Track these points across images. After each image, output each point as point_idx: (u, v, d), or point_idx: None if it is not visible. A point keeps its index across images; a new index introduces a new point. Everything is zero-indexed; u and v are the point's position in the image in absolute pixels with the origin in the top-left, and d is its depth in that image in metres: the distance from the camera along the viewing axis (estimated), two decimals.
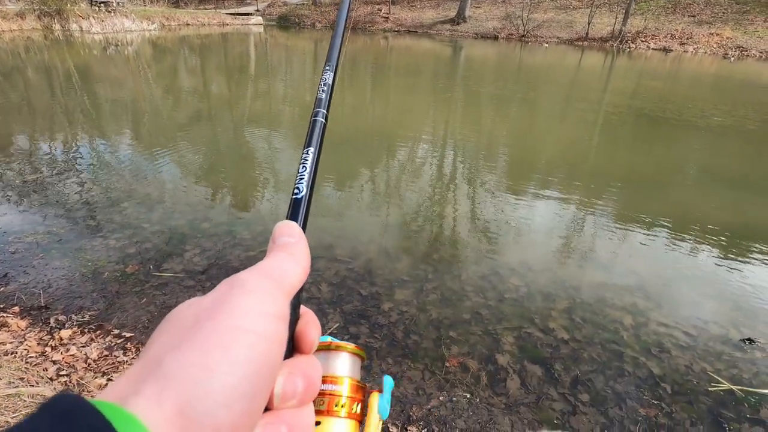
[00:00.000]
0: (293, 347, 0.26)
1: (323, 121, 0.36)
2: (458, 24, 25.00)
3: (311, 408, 0.25)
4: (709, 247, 3.45)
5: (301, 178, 0.31)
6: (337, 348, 0.39)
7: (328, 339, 0.39)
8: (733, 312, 2.68)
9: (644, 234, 3.61)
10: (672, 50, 20.23)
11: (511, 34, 23.47)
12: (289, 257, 0.26)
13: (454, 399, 1.99)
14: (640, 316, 2.58)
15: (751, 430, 1.94)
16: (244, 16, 27.92)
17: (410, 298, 2.63)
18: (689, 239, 3.57)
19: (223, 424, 0.19)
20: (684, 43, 20.62)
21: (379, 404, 0.39)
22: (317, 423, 0.37)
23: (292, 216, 0.29)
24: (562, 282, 2.88)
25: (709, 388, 2.12)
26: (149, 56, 14.01)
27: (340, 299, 2.60)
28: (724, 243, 3.50)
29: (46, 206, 3.59)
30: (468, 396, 2.01)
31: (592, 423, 1.92)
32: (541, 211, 3.95)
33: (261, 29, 25.69)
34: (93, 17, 18.51)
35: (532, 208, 4.00)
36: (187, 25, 24.12)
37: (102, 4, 19.26)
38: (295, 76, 11.26)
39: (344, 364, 0.39)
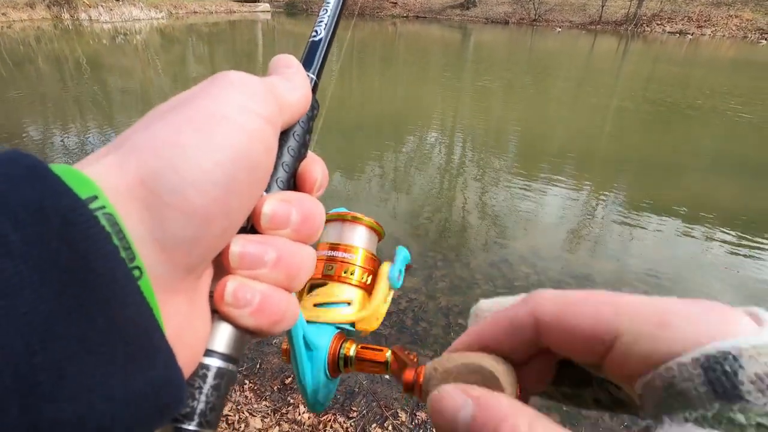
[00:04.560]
0: (295, 184, 0.24)
1: None
2: (468, 9, 24.57)
3: (311, 251, 0.22)
4: (725, 235, 3.39)
5: (321, 21, 0.28)
6: (354, 219, 0.38)
7: (345, 210, 0.38)
8: (748, 301, 2.64)
9: (657, 221, 3.56)
10: (689, 33, 19.66)
11: (522, 19, 23.01)
12: (284, 80, 0.23)
13: None
14: None
15: None
16: (251, 3, 27.72)
17: (419, 286, 2.63)
18: (704, 227, 3.50)
19: (193, 206, 0.17)
20: (701, 26, 20.02)
21: (390, 272, 0.38)
22: (323, 284, 0.36)
23: (307, 59, 0.26)
24: (573, 270, 2.86)
25: None
26: (158, 45, 14.01)
27: None
28: (740, 231, 3.43)
29: None
30: None
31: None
32: (552, 199, 3.90)
33: (269, 16, 25.54)
34: (101, 6, 18.54)
35: (543, 196, 3.96)
36: (195, 13, 24.04)
37: None
38: None
39: (360, 236, 0.37)
